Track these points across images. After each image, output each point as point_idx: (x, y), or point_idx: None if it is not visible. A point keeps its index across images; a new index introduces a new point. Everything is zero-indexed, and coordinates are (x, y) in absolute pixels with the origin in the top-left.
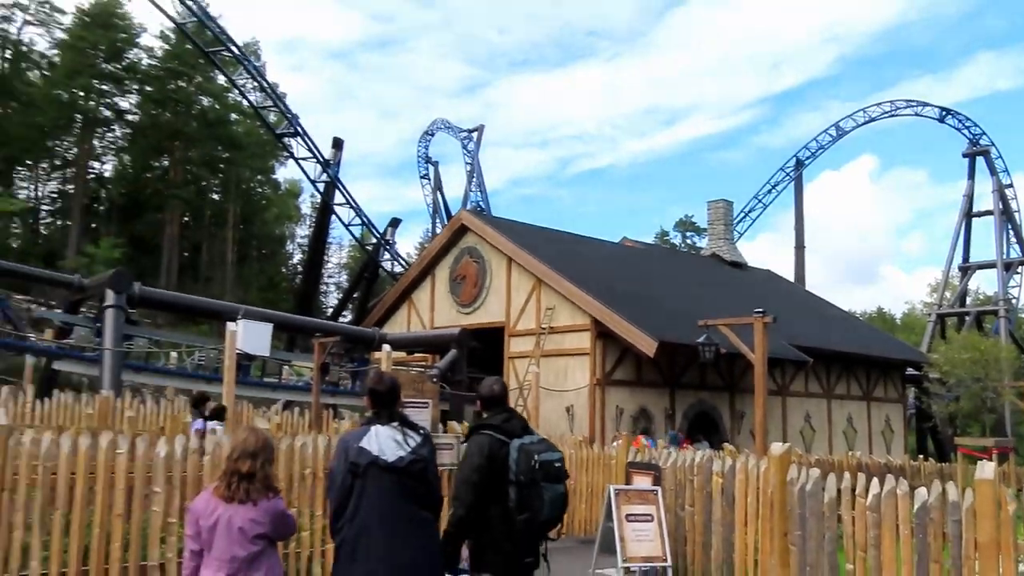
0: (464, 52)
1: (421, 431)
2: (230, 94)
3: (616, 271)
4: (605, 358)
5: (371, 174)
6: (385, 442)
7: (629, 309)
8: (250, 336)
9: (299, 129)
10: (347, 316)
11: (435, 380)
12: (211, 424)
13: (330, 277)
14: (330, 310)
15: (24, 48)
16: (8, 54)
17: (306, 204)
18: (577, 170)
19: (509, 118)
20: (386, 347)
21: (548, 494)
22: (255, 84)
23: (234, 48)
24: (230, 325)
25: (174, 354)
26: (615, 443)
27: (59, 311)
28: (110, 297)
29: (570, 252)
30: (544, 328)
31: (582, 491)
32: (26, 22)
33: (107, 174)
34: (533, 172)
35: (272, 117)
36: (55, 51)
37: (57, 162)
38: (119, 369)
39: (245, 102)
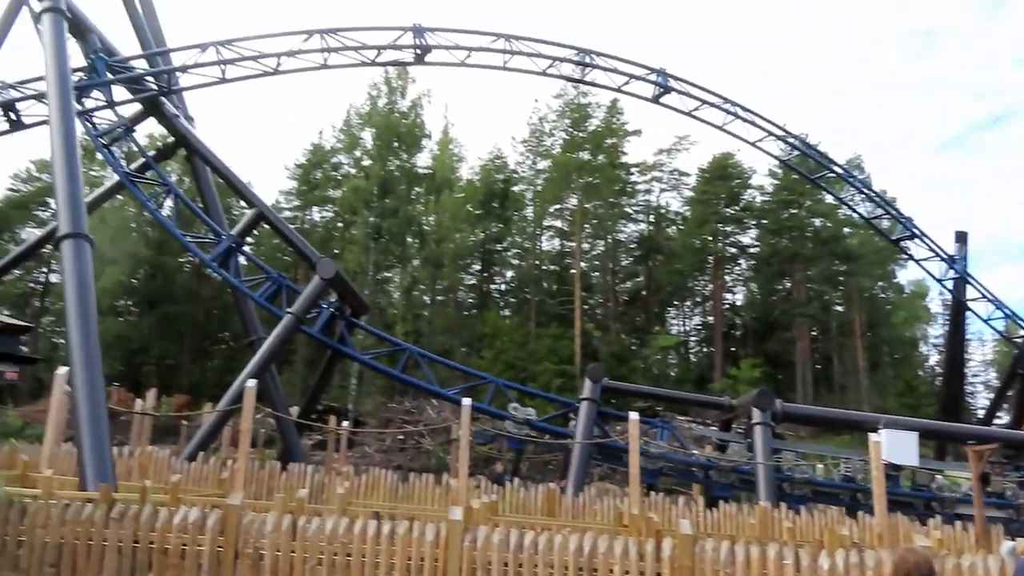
0: None
1: None
2: (840, 211)
3: None
4: None
5: (1009, 259)
6: None
7: None
8: (895, 446)
9: (915, 231)
10: (1002, 418)
11: None
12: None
13: (975, 376)
14: (981, 412)
15: (662, 210)
16: (651, 218)
17: (935, 303)
18: None
19: None
20: None
21: None
22: (863, 196)
23: (837, 168)
24: (872, 436)
25: (820, 465)
26: None
27: (714, 429)
28: (756, 415)
29: None
30: None
31: None
32: (662, 190)
33: (739, 303)
34: None
35: (885, 224)
36: (685, 207)
37: (697, 299)
38: (772, 481)
39: (856, 215)
